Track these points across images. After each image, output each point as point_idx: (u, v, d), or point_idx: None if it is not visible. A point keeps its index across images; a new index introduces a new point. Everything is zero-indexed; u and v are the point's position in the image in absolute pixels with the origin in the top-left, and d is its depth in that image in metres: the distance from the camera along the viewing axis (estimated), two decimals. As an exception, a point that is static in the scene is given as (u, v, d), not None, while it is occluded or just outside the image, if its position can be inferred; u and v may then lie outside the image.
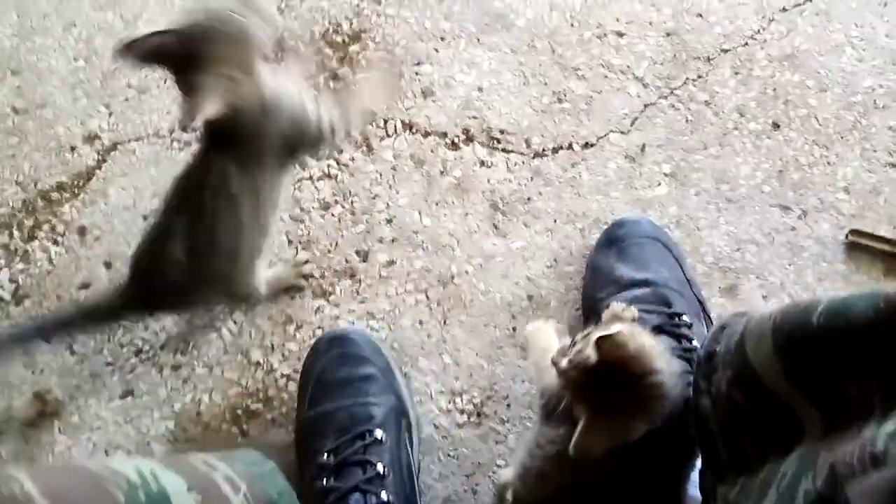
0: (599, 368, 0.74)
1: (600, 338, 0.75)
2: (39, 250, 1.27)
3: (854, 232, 1.16)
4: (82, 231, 1.27)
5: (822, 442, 0.59)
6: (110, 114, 1.35)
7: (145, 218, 1.27)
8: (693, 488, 0.84)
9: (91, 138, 1.33)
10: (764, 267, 1.17)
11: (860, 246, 1.16)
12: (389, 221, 1.24)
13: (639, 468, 0.82)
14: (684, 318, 1.02)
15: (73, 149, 1.33)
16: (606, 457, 0.76)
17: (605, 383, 0.75)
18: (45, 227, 1.28)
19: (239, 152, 0.96)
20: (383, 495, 0.91)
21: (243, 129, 0.94)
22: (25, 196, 1.30)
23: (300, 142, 0.99)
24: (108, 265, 1.25)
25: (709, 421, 0.76)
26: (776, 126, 1.24)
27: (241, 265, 1.05)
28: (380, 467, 0.93)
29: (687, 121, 1.26)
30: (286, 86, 0.97)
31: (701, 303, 1.08)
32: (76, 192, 1.30)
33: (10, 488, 0.49)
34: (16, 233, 1.28)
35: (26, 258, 1.26)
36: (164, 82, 1.35)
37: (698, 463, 0.84)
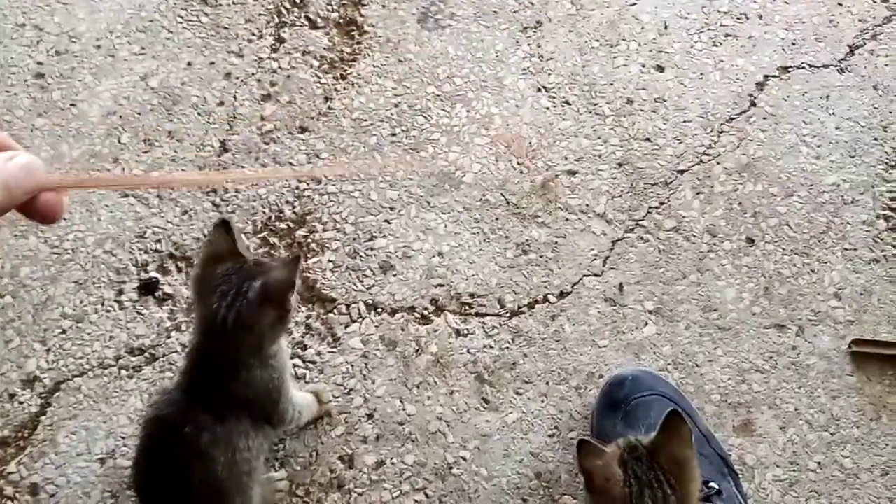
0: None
1: None
2: (-12, 522, 1.13)
3: (857, 342, 1.11)
4: (34, 490, 1.14)
5: None
6: (48, 350, 1.23)
7: (102, 462, 1.14)
8: None
9: (30, 381, 1.21)
10: (774, 395, 1.10)
11: (866, 355, 1.10)
12: (370, 417, 1.14)
13: None
14: (711, 484, 0.92)
15: (11, 397, 1.21)
16: None
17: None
18: (-9, 492, 1.15)
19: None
20: None
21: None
22: (-36, 463, 1.17)
23: (260, 411, 0.93)
24: (67, 524, 1.12)
25: None
26: (751, 241, 1.20)
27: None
28: None
29: (659, 251, 1.21)
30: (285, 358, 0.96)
31: (723, 458, 1.00)
32: (21, 445, 1.17)
33: None
34: (-42, 506, 1.14)
35: (-28, 534, 1.12)
36: (102, 305, 1.25)
37: None
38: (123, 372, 1.20)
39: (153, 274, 1.26)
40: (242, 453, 0.91)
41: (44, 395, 1.20)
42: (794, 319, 1.14)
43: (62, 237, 1.31)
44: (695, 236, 1.21)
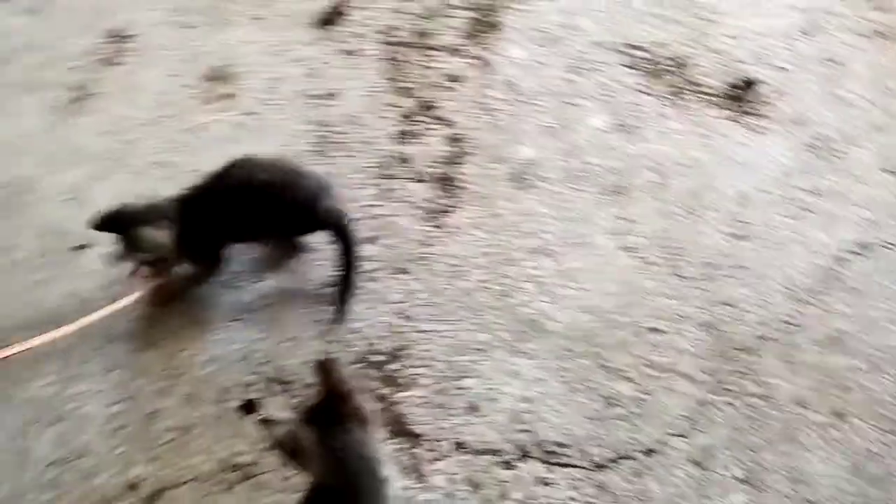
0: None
1: None
2: None
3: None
4: None
5: None
6: (151, 459, 1.29)
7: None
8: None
9: (132, 487, 1.27)
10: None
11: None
12: (452, 563, 1.15)
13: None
14: None
15: (112, 500, 1.26)
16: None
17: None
18: None
19: None
20: None
21: None
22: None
23: None
24: None
25: None
26: (839, 415, 1.21)
27: None
28: None
29: (746, 417, 1.23)
30: None
31: None
32: (118, 555, 1.21)
33: None
34: None
35: None
36: (205, 420, 1.32)
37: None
38: (220, 486, 1.25)
39: (255, 395, 1.34)
40: None
41: (144, 500, 1.25)
42: (886, 502, 1.13)
43: (173, 353, 1.41)
44: (781, 405, 1.23)
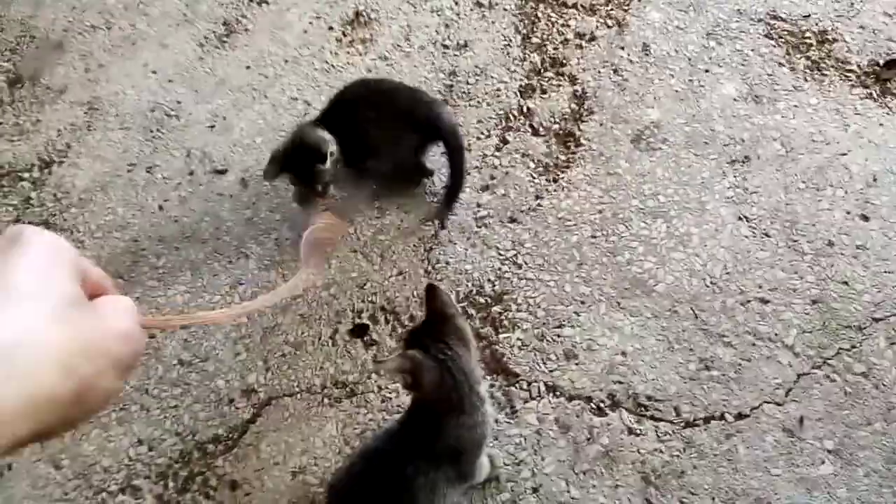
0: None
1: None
2: (191, 503, 1.30)
3: None
4: (234, 486, 1.31)
5: None
6: (267, 369, 1.43)
7: (294, 475, 1.29)
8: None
9: (248, 392, 1.41)
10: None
11: None
12: (535, 491, 1.21)
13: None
14: None
15: (231, 401, 1.41)
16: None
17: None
18: (199, 479, 1.33)
19: None
20: None
21: None
22: (183, 447, 1.37)
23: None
24: (256, 523, 1.27)
25: None
26: (949, 406, 1.18)
27: None
28: None
29: (846, 393, 1.22)
30: None
31: None
32: (230, 445, 1.36)
33: None
34: (170, 483, 1.33)
35: (178, 511, 1.30)
36: (319, 339, 1.44)
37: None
38: (326, 400, 1.37)
39: (366, 321, 1.44)
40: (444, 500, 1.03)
41: (257, 406, 1.39)
42: None
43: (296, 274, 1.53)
44: (884, 385, 1.21)
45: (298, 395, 1.39)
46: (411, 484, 0.99)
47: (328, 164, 1.45)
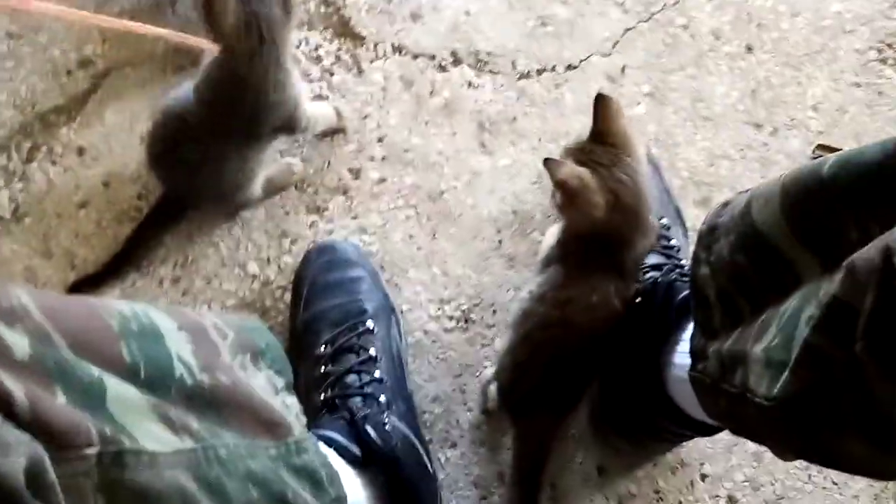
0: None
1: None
2: (38, 171, 1.30)
3: (821, 147, 1.23)
4: (80, 151, 1.31)
5: (822, 278, 0.60)
6: (104, 40, 1.37)
7: (142, 140, 1.30)
8: (679, 356, 0.89)
9: (86, 63, 1.36)
10: (736, 180, 1.24)
11: (826, 160, 1.23)
12: (380, 140, 1.29)
13: (619, 338, 0.90)
14: (664, 220, 1.08)
15: (68, 73, 1.36)
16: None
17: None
18: (44, 148, 1.31)
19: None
20: (376, 374, 0.97)
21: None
22: (23, 119, 1.33)
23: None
24: (106, 184, 1.29)
25: (705, 288, 0.77)
26: (749, 49, 1.30)
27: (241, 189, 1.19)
28: (372, 351, 1.00)
29: (665, 44, 1.32)
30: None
31: (677, 210, 1.15)
32: (73, 115, 1.33)
33: (9, 300, 0.49)
34: (14, 154, 1.31)
35: (25, 178, 1.30)
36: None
37: (685, 335, 0.87)
38: (170, 68, 1.34)
39: None
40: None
41: (97, 77, 1.35)
42: (771, 121, 1.26)
43: None
44: (700, 35, 1.32)
45: (140, 65, 1.36)
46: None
47: None
